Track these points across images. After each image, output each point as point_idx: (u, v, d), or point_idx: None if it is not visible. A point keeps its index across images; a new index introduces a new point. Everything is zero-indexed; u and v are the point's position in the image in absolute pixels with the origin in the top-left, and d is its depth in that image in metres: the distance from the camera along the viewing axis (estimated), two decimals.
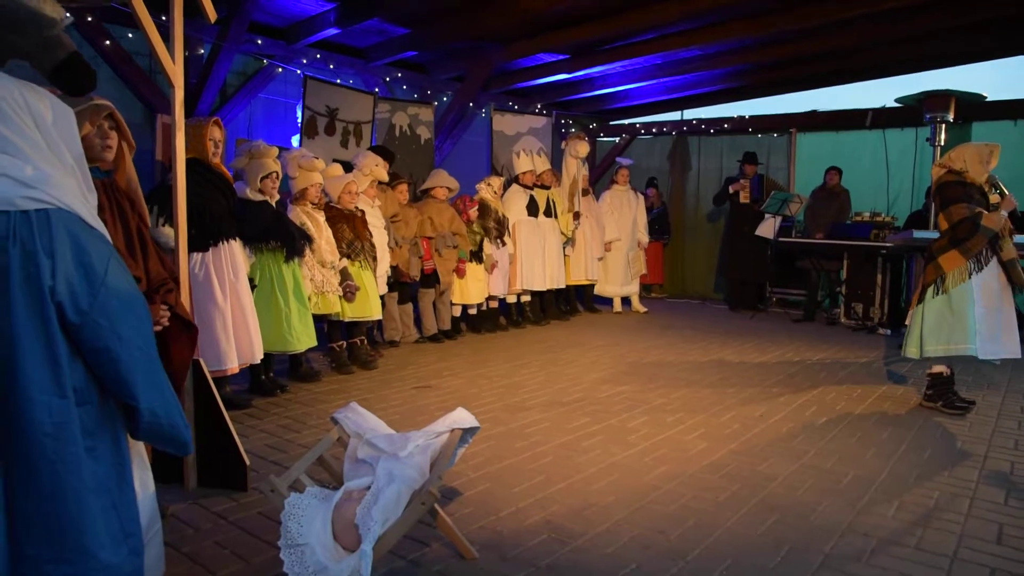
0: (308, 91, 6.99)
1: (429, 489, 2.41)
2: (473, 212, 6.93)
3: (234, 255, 4.18)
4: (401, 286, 6.36)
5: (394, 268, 6.11)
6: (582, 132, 8.94)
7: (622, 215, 8.68)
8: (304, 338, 4.74)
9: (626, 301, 9.00)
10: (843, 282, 8.20)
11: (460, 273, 6.75)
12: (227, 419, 3.15)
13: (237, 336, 4.16)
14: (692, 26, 7.34)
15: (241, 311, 4.19)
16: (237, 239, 4.23)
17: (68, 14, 1.89)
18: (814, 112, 9.68)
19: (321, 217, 5.17)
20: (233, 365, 4.11)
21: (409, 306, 6.59)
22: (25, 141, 1.76)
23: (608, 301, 9.01)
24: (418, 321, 6.74)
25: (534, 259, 7.55)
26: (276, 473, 3.36)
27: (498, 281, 7.22)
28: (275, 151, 4.70)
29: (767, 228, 8.69)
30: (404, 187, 6.46)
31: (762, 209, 8.63)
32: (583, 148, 7.94)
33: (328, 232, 5.18)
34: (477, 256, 6.94)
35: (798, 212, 8.68)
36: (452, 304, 6.91)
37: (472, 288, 6.92)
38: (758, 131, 10.14)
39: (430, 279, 6.54)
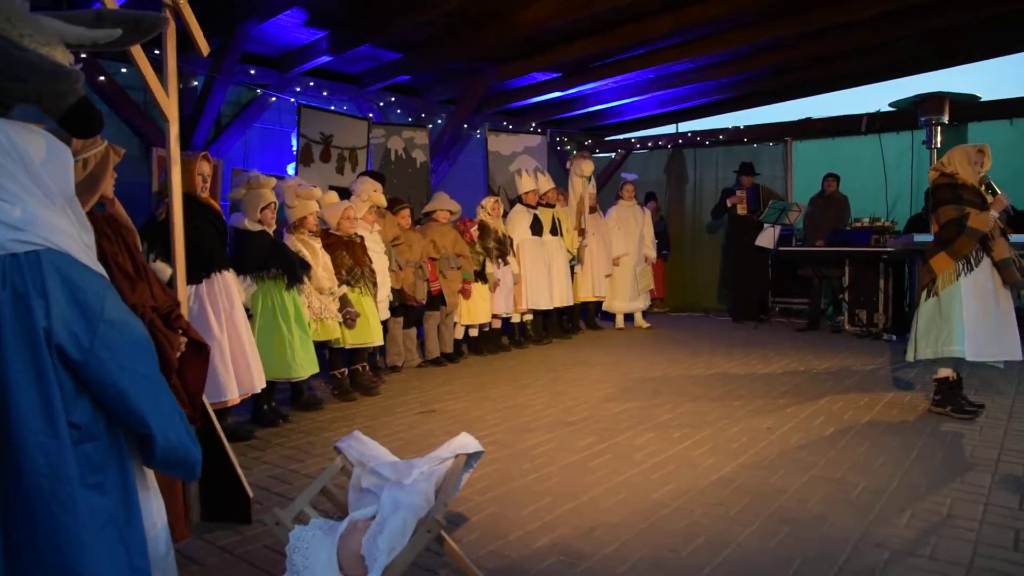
0: (302, 119, 7.03)
1: (435, 517, 2.38)
2: (474, 231, 6.96)
3: (228, 285, 4.18)
4: (405, 310, 6.36)
5: (397, 292, 6.11)
6: (585, 151, 8.98)
7: (629, 230, 8.70)
8: (307, 365, 4.73)
9: (629, 317, 8.99)
10: (846, 289, 8.18)
11: (466, 294, 6.77)
12: (229, 451, 3.14)
13: (236, 366, 4.15)
14: (684, 39, 7.38)
15: (239, 341, 4.18)
16: (230, 269, 4.23)
17: (79, 65, 1.91)
18: (809, 120, 9.71)
19: (317, 244, 5.18)
20: (234, 396, 4.10)
21: (413, 331, 6.59)
22: (12, 182, 1.77)
23: (610, 318, 9.00)
24: (422, 345, 6.73)
25: (539, 278, 7.56)
26: (280, 505, 3.33)
27: (501, 300, 7.23)
28: (272, 181, 4.73)
29: (767, 238, 8.68)
30: (406, 212, 6.48)
31: (761, 219, 8.64)
32: (588, 167, 8.00)
33: (325, 259, 5.18)
34: (481, 276, 6.97)
35: (797, 220, 8.68)
36: (456, 325, 6.91)
37: (477, 308, 6.93)
38: (753, 141, 10.17)
39: (436, 301, 6.55)
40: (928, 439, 4.18)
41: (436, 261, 6.55)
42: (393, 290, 6.06)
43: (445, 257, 6.58)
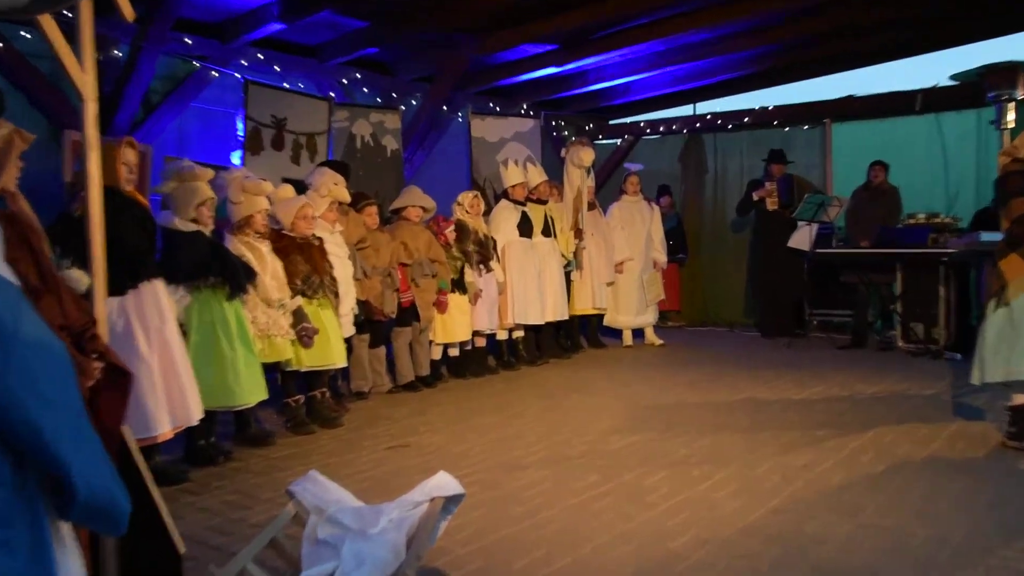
0: (250, 98, 7.00)
1: (406, 573, 2.35)
2: (450, 233, 6.97)
3: (158, 297, 4.15)
4: (372, 326, 6.35)
5: (362, 304, 6.12)
6: (585, 137, 9.00)
7: (634, 230, 8.73)
8: (253, 390, 4.71)
9: (638, 333, 9.00)
10: (897, 298, 8.20)
11: (441, 307, 6.78)
12: (156, 498, 3.09)
13: (168, 395, 4.11)
14: (702, 3, 7.39)
15: (171, 364, 4.15)
16: (160, 278, 4.19)
17: None
18: (851, 98, 9.76)
19: (266, 247, 5.17)
20: (164, 430, 4.07)
21: (382, 350, 6.60)
22: None
23: (616, 333, 9.01)
24: (392, 367, 6.72)
25: (528, 287, 7.57)
26: (219, 562, 3.28)
27: (483, 313, 7.23)
28: (209, 173, 4.71)
29: (801, 238, 8.70)
30: (373, 209, 6.50)
31: (794, 216, 8.66)
32: (587, 156, 8.02)
33: (274, 265, 5.17)
34: (459, 285, 6.97)
35: (837, 217, 8.72)
36: (432, 344, 6.91)
37: (456, 323, 6.94)
38: (785, 123, 10.21)
39: (407, 315, 6.56)
40: (1002, 480, 4.16)
41: (407, 267, 6.56)
42: (358, 302, 6.05)
43: (418, 263, 6.59)
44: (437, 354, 7.02)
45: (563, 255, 8.06)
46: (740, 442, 4.90)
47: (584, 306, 8.37)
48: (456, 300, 6.91)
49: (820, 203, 8.48)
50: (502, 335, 7.64)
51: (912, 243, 8.00)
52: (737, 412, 5.69)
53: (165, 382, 4.12)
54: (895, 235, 8.16)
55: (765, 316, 9.45)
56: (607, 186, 10.86)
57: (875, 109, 9.57)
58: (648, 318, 8.86)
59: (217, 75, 7.07)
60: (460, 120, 9.26)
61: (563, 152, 8.23)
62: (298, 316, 5.24)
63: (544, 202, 7.97)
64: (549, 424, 5.46)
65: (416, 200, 6.79)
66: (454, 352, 7.20)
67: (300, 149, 7.43)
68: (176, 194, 4.61)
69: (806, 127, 10.11)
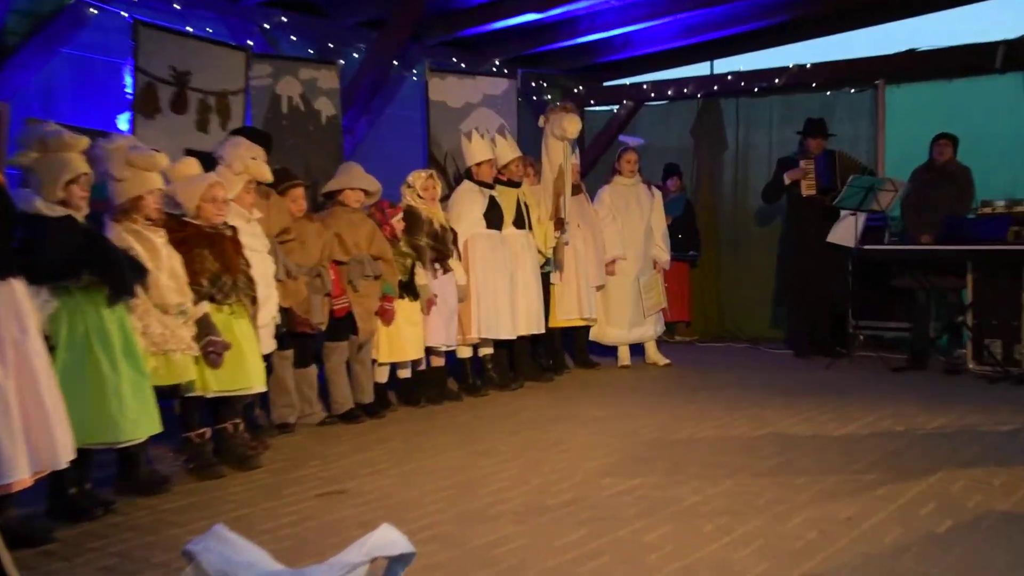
0: (142, 44, 6.91)
1: None
2: (398, 223, 6.95)
3: (17, 302, 4.07)
4: (297, 340, 6.33)
5: (285, 312, 6.08)
6: (569, 102, 8.97)
7: (629, 221, 8.76)
8: (143, 422, 4.64)
9: (638, 349, 9.00)
10: (967, 308, 8.24)
11: (386, 317, 6.77)
12: (8, 565, 3.02)
13: (28, 430, 4.03)
14: None
15: (33, 389, 4.07)
16: (18, 277, 4.12)
17: None
18: (912, 53, 9.83)
19: (159, 239, 5.10)
20: (21, 476, 3.98)
21: (311, 370, 6.57)
22: None
23: (611, 351, 9.01)
24: (324, 392, 6.68)
25: (498, 292, 7.57)
26: None
27: (440, 326, 7.21)
28: (84, 141, 4.62)
29: (845, 231, 8.75)
30: (299, 191, 6.45)
31: (836, 203, 8.71)
32: (572, 125, 7.97)
33: (172, 261, 5.10)
34: (409, 289, 6.96)
35: (891, 205, 8.77)
36: (376, 364, 6.90)
37: (405, 337, 6.92)
38: (826, 86, 10.27)
39: (342, 327, 6.54)
40: None
41: (343, 266, 6.51)
42: (280, 309, 6.01)
43: (357, 260, 6.54)
44: (383, 376, 6.99)
45: (541, 251, 8.06)
46: (766, 489, 4.89)
47: (568, 316, 8.37)
48: (405, 308, 6.89)
49: (869, 187, 8.51)
50: (465, 352, 7.63)
51: (987, 238, 8.04)
52: (762, 450, 5.68)
53: (24, 412, 4.03)
54: (965, 228, 8.22)
55: (798, 330, 9.49)
56: (599, 165, 10.87)
57: (942, 67, 9.64)
58: (647, 331, 8.88)
59: (97, 12, 6.98)
60: (415, 79, 9.26)
61: (541, 121, 8.18)
62: (204, 327, 5.17)
63: (518, 184, 7.95)
64: (525, 464, 5.44)
65: (356, 181, 6.74)
66: (404, 373, 7.18)
67: (208, 112, 7.35)
68: (39, 167, 4.53)
69: (852, 90, 10.18)
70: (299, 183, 6.49)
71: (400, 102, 9.22)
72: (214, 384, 5.29)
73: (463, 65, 9.70)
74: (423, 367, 7.29)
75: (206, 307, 5.23)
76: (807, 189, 9.22)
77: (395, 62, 8.80)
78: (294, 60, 8.16)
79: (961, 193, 8.63)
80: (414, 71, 9.21)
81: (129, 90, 7.03)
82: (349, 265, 6.52)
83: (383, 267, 6.69)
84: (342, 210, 6.69)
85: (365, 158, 7.67)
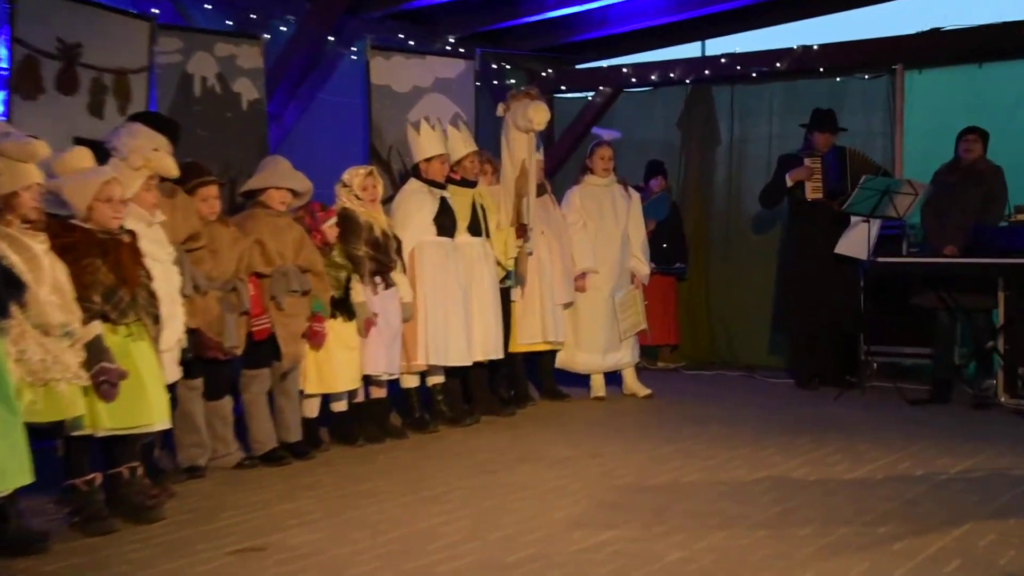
0: (20, 10, 6.80)
1: None
2: (331, 229, 6.89)
3: None
4: (209, 367, 6.28)
5: (194, 334, 6.03)
6: (535, 87, 8.94)
7: (603, 228, 8.76)
8: (9, 471, 4.54)
9: (615, 378, 9.01)
10: (999, 331, 8.29)
11: (316, 340, 6.71)
12: None
13: None
14: None
15: None
16: None
17: None
18: (936, 32, 9.88)
19: (39, 246, 5.03)
20: None
21: (225, 403, 6.51)
22: None
23: (583, 379, 9.02)
24: (242, 429, 6.64)
25: (449, 310, 7.57)
26: None
27: (381, 351, 7.17)
28: None
29: (856, 241, 8.78)
30: (212, 190, 6.38)
31: (846, 209, 8.75)
32: (539, 114, 7.96)
33: (56, 272, 5.03)
34: (344, 307, 6.93)
35: (910, 211, 8.81)
36: (304, 396, 6.87)
37: (339, 365, 6.89)
38: (835, 71, 10.31)
39: (264, 352, 6.50)
40: None
41: (264, 280, 6.46)
42: (188, 331, 5.96)
43: (281, 273, 6.48)
44: (312, 410, 6.97)
45: (500, 263, 8.06)
46: (762, 542, 4.88)
47: (530, 340, 8.38)
48: (339, 330, 6.86)
49: (885, 190, 8.55)
50: (410, 381, 7.62)
51: (1022, 249, 8.05)
52: (759, 497, 5.67)
53: None
54: (996, 238, 8.27)
55: (801, 355, 9.52)
56: (569, 162, 10.84)
57: (970, 49, 9.69)
58: (625, 357, 8.87)
59: None
60: (354, 58, 9.24)
61: (502, 109, 8.16)
62: (94, 352, 5.09)
63: (473, 184, 7.95)
64: (480, 513, 5.43)
65: (282, 179, 6.70)
66: (339, 407, 7.14)
67: (103, 94, 7.26)
68: None
69: (866, 76, 10.22)
70: (212, 180, 6.39)
71: (336, 85, 9.15)
72: (107, 420, 5.18)
73: (411, 42, 9.65)
74: (360, 399, 7.25)
75: (98, 328, 5.14)
76: (812, 192, 9.25)
77: (330, 38, 8.73)
78: (209, 33, 8.09)
79: (992, 197, 8.64)
80: (353, 49, 9.15)
81: (4, 65, 6.93)
82: (272, 278, 6.45)
83: (313, 281, 6.64)
84: (264, 213, 6.62)
85: (293, 151, 7.64)
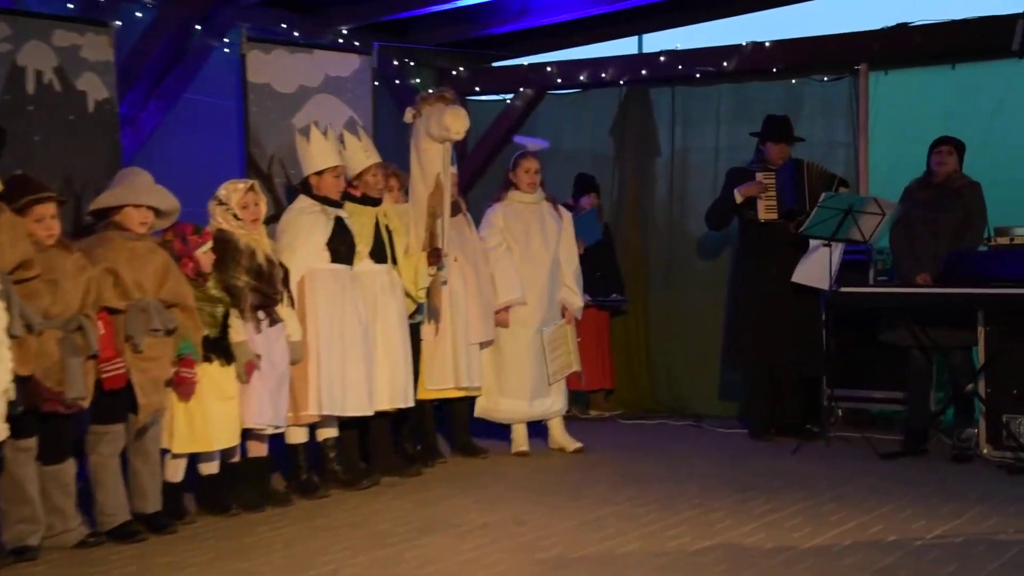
0: None
1: None
2: (204, 257, 6.75)
3: None
4: (46, 423, 6.12)
5: (25, 384, 5.84)
6: (449, 89, 8.81)
7: (530, 252, 8.74)
8: None
9: (538, 429, 8.99)
10: (980, 372, 8.34)
11: (184, 388, 6.59)
12: None
13: None
14: None
15: None
16: None
17: None
18: (904, 28, 9.99)
19: None
20: None
21: (67, 467, 6.32)
22: None
23: (502, 432, 9.00)
24: (87, 498, 6.46)
25: (347, 352, 7.50)
26: None
27: (265, 399, 7.05)
28: None
29: (816, 268, 8.82)
30: (48, 208, 6.19)
31: (803, 231, 8.80)
32: (457, 122, 7.92)
33: None
34: (219, 349, 6.81)
35: (878, 233, 8.87)
36: (170, 456, 6.76)
37: (213, 418, 6.77)
38: (791, 72, 10.37)
39: (117, 403, 6.36)
40: None
41: (118, 316, 6.30)
42: (17, 379, 5.76)
43: (139, 308, 6.33)
44: (177, 473, 6.83)
45: (410, 295, 7.98)
46: None
47: (443, 384, 8.31)
48: (214, 375, 6.74)
49: (847, 209, 8.59)
50: (298, 436, 7.49)
51: (1004, 278, 8.10)
52: (708, 569, 5.65)
53: None
54: (975, 264, 8.32)
55: (756, 401, 9.55)
56: (485, 176, 10.75)
57: (943, 47, 9.79)
58: (556, 404, 8.83)
59: None
60: (227, 51, 9.17)
61: (410, 115, 8.07)
62: None
63: (377, 201, 7.88)
64: None
65: (141, 195, 6.56)
66: (209, 468, 6.98)
67: None
68: None
69: (826, 78, 10.29)
70: (49, 196, 6.20)
71: (205, 83, 9.07)
72: None
73: (296, 34, 9.57)
74: (236, 458, 7.10)
75: None
76: (766, 211, 9.28)
77: (197, 27, 8.62)
78: (45, 18, 7.91)
79: (969, 217, 8.69)
80: (225, 40, 9.05)
81: None
82: (128, 315, 6.28)
83: (180, 317, 6.48)
84: (119, 236, 6.44)
85: (153, 162, 7.52)
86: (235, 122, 9.03)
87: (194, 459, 6.90)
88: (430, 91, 8.48)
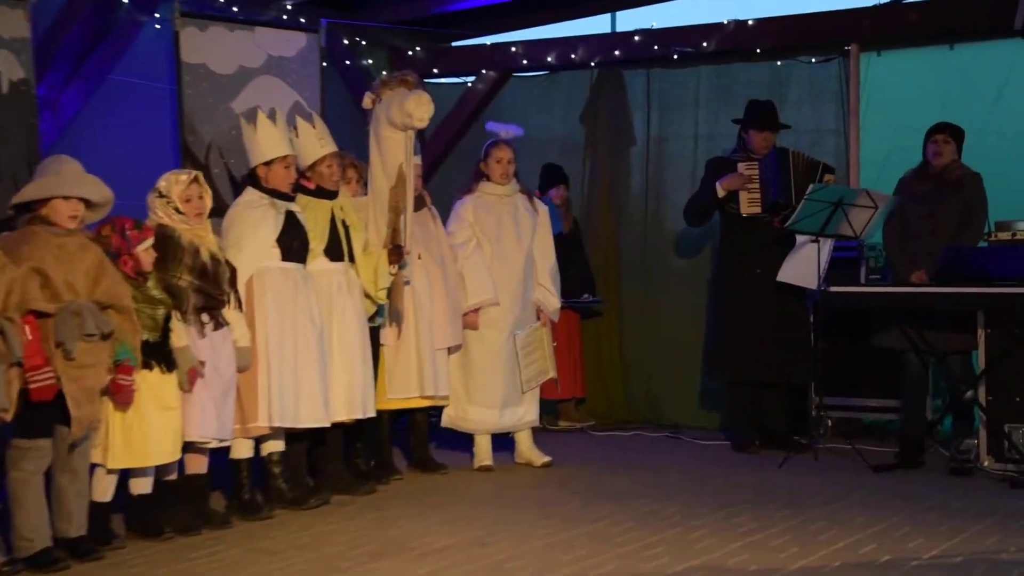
0: None
1: None
2: (144, 253, 6.72)
3: None
4: None
5: None
6: (410, 72, 8.79)
7: (502, 249, 8.77)
8: None
9: (504, 440, 9.02)
10: (979, 377, 8.39)
11: (122, 396, 6.51)
12: None
13: None
14: None
15: None
16: None
17: None
18: (898, 5, 10.07)
19: None
20: None
21: None
22: None
23: (464, 444, 9.02)
24: (3, 519, 6.46)
25: (300, 358, 7.47)
26: None
27: (209, 409, 7.00)
28: None
29: (803, 266, 8.86)
30: None
31: (790, 226, 8.83)
32: (421, 108, 7.88)
33: None
34: (160, 355, 6.77)
35: (870, 228, 8.91)
36: (98, 473, 6.69)
37: (151, 430, 6.70)
38: (776, 53, 10.40)
39: (44, 415, 6.27)
40: None
41: (46, 320, 6.24)
42: None
43: (70, 311, 6.25)
44: (105, 491, 6.74)
45: (369, 295, 7.97)
46: None
47: (406, 393, 8.32)
48: (155, 383, 6.68)
49: (837, 202, 8.61)
50: (242, 450, 7.46)
51: (1007, 276, 8.14)
52: None
53: None
54: (974, 262, 8.35)
55: (739, 411, 9.59)
56: (446, 166, 10.76)
57: (941, 27, 9.84)
58: (528, 414, 8.87)
59: None
60: (158, 27, 9.13)
61: (368, 100, 8.07)
62: None
63: (332, 194, 7.87)
64: None
65: (71, 186, 6.47)
66: (141, 487, 6.90)
67: None
68: None
69: (813, 60, 10.32)
70: None
71: (133, 63, 9.05)
72: None
73: (235, 9, 9.52)
74: (172, 475, 7.01)
75: None
76: (749, 205, 9.33)
77: (125, 0, 8.57)
78: None
79: (968, 211, 8.72)
80: (156, 15, 9.02)
81: None
82: (57, 318, 6.20)
83: (117, 320, 6.40)
84: (46, 232, 6.35)
85: (77, 149, 7.44)
86: (168, 106, 9.00)
87: (124, 476, 6.81)
88: (390, 74, 8.46)
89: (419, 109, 7.82)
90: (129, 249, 6.63)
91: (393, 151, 8.00)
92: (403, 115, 7.83)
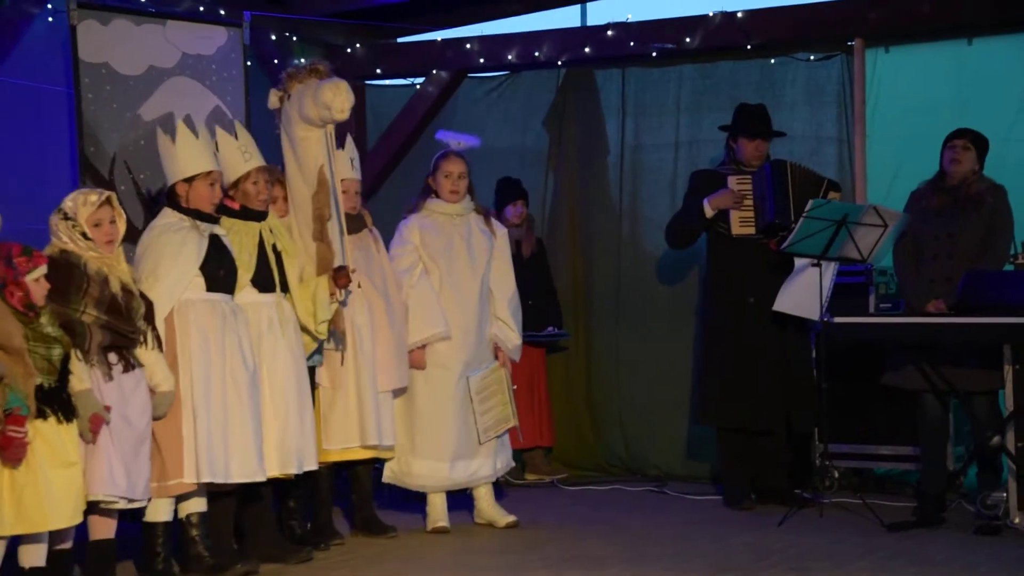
0: None
1: None
2: (36, 285, 6.61)
3: None
4: None
5: None
6: (320, 60, 8.74)
7: (454, 277, 8.73)
8: None
9: (462, 499, 8.99)
10: (1008, 421, 8.37)
11: (10, 451, 6.40)
12: None
13: None
14: None
15: None
16: None
17: None
18: None
19: None
20: None
21: None
22: None
23: (416, 503, 8.98)
24: None
25: (230, 404, 7.40)
26: None
27: (117, 464, 6.92)
28: None
29: (803, 293, 8.87)
30: None
31: (787, 248, 8.85)
32: (338, 97, 7.75)
33: None
34: (56, 401, 6.65)
35: (879, 250, 8.92)
36: None
37: (46, 490, 6.57)
38: (769, 50, 10.45)
39: None
40: None
41: None
42: None
43: None
44: None
45: (307, 331, 7.89)
46: None
47: (345, 443, 8.24)
48: (52, 435, 6.56)
49: (841, 220, 8.63)
50: (159, 513, 7.36)
51: None
52: None
53: None
54: (999, 288, 8.34)
55: (732, 460, 9.55)
56: (390, 182, 10.74)
57: (957, 18, 9.89)
58: (484, 468, 8.81)
59: None
60: (51, 20, 9.11)
61: (275, 97, 7.98)
62: None
63: (261, 215, 7.81)
64: None
65: None
66: (32, 558, 6.76)
67: None
68: None
69: (812, 57, 10.35)
70: None
71: (21, 63, 9.02)
72: None
73: None
74: (68, 543, 6.89)
75: None
76: (741, 225, 9.32)
77: None
78: None
79: (992, 230, 8.71)
80: (48, 6, 9.00)
81: None
82: None
83: (5, 362, 6.33)
84: None
85: None
86: (64, 113, 8.97)
87: (14, 543, 6.66)
88: (297, 65, 8.37)
89: (337, 99, 7.70)
90: (16, 279, 6.50)
91: (311, 151, 7.90)
92: (319, 108, 7.73)
